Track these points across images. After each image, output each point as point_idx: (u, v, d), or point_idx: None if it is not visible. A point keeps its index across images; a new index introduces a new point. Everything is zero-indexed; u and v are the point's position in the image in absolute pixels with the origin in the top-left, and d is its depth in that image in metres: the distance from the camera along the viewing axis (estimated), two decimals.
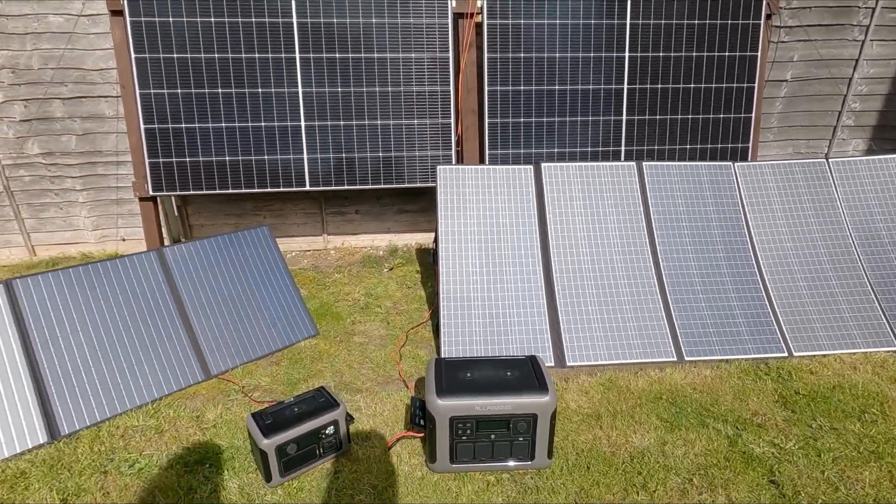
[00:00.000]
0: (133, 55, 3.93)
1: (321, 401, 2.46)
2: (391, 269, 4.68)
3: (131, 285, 3.11)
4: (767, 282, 3.55)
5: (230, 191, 4.22)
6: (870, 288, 3.53)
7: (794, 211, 3.73)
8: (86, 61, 4.39)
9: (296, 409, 2.39)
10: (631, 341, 3.29)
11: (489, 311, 3.36)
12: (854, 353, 3.26)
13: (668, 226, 3.63)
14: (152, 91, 4.01)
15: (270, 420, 2.32)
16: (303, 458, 2.34)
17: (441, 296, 3.38)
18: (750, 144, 4.79)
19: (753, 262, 3.59)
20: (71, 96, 4.46)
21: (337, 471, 2.39)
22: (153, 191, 4.17)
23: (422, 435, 2.51)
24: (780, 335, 3.36)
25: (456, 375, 2.35)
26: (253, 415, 2.36)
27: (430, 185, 4.44)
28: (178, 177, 4.16)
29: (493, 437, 2.28)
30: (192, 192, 4.20)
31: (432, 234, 5.25)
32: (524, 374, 2.36)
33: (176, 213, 4.87)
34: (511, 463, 2.33)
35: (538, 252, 3.54)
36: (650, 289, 3.46)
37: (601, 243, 3.56)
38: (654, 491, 2.25)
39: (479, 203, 3.62)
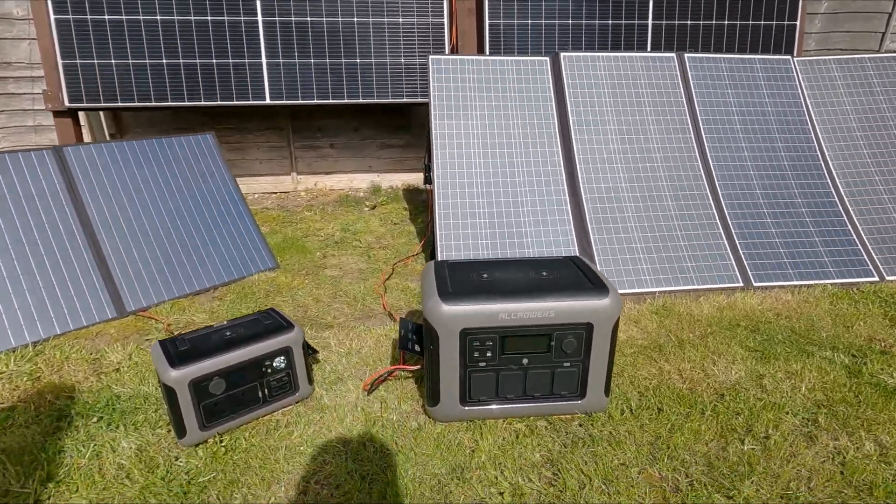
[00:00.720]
0: None
1: (267, 323, 1.66)
2: (374, 208, 3.88)
3: (14, 193, 2.26)
4: (844, 196, 2.84)
5: (169, 103, 3.37)
6: None
7: (870, 113, 3.03)
8: None
9: (227, 334, 1.59)
10: (683, 264, 2.55)
11: (499, 230, 2.60)
12: None
13: (720, 129, 2.90)
14: None
15: (186, 346, 1.52)
16: (236, 403, 1.54)
17: (437, 210, 2.60)
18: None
19: (826, 173, 2.88)
20: None
21: (291, 422, 1.60)
22: (70, 101, 3.31)
23: (417, 368, 1.73)
24: (866, 257, 2.66)
25: (468, 276, 1.58)
26: (162, 342, 1.55)
27: (418, 100, 3.65)
28: (102, 84, 3.31)
29: (525, 362, 1.51)
30: (120, 105, 3.34)
31: (422, 175, 4.47)
32: (567, 273, 1.59)
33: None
34: (551, 402, 1.57)
35: (560, 161, 2.78)
36: (703, 204, 2.73)
37: (638, 148, 2.81)
38: (767, 437, 1.51)
39: (484, 101, 2.85)
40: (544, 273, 1.60)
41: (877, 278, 2.59)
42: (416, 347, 1.62)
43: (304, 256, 2.93)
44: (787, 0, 3.90)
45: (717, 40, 3.88)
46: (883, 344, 1.97)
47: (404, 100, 3.63)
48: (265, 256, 2.75)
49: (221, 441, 1.52)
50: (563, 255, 2.54)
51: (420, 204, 3.95)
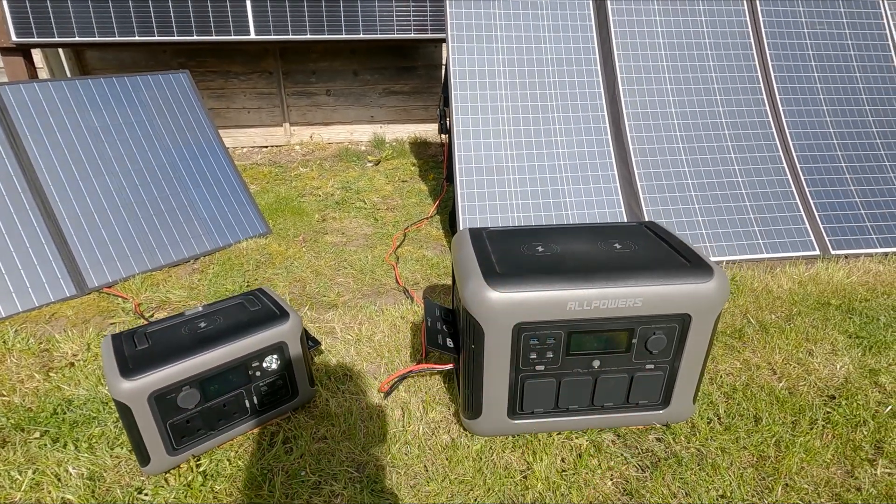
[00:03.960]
0: None
1: (254, 309, 1.28)
2: (377, 163, 3.44)
3: None
4: None
5: (136, 38, 2.86)
6: None
7: None
8: None
9: (202, 325, 1.22)
10: (750, 228, 2.16)
11: (531, 188, 2.18)
12: None
13: (791, 65, 2.44)
14: None
15: (147, 345, 1.15)
16: (216, 417, 1.18)
17: (456, 166, 2.18)
18: None
19: None
20: None
21: (288, 437, 1.25)
22: (17, 36, 2.80)
23: (449, 367, 1.37)
24: None
25: (517, 250, 1.18)
26: (114, 337, 1.17)
27: (428, 35, 3.14)
28: (54, 15, 2.78)
29: (596, 364, 1.14)
30: (77, 41, 2.83)
31: (431, 126, 3.99)
32: (648, 245, 1.20)
33: None
34: (626, 413, 1.21)
35: (603, 101, 2.33)
36: (771, 155, 2.30)
37: (696, 88, 2.36)
38: (894, 452, 1.17)
39: (511, 31, 2.36)
40: (617, 245, 1.21)
41: None
42: (449, 343, 1.25)
43: (300, 219, 2.52)
44: None
45: None
46: None
47: (412, 34, 3.12)
48: (254, 220, 2.34)
49: (199, 466, 1.17)
50: (631, 219, 2.14)
51: (430, 159, 3.50)
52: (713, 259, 2.09)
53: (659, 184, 2.22)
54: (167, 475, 1.15)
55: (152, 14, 2.85)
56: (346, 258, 2.17)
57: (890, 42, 2.52)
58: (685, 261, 1.13)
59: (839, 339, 1.58)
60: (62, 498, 1.10)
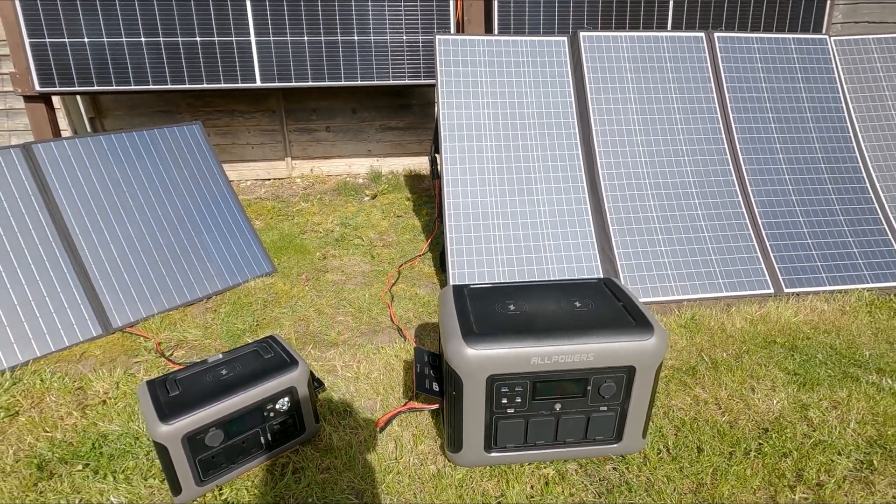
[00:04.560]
0: None
1: (268, 357, 1.49)
2: (374, 197, 3.66)
3: None
4: (880, 190, 2.66)
5: (150, 87, 3.10)
6: None
7: None
8: None
9: (223, 372, 1.43)
10: (711, 269, 2.39)
11: (514, 232, 2.41)
12: None
13: (751, 117, 2.69)
14: None
15: (178, 391, 1.35)
16: (236, 453, 1.39)
17: (446, 211, 2.41)
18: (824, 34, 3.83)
19: (861, 166, 2.69)
20: None
21: (298, 467, 1.46)
22: (41, 86, 3.03)
23: (435, 407, 1.58)
24: None
25: (492, 308, 1.40)
26: (150, 383, 1.38)
27: (421, 82, 3.38)
28: (75, 66, 3.02)
29: (558, 407, 1.36)
30: (96, 90, 3.06)
31: (424, 159, 4.23)
32: (603, 303, 1.42)
33: (88, 129, 3.73)
34: (584, 447, 1.43)
35: (579, 151, 2.57)
36: (732, 200, 2.54)
37: (663, 140, 2.60)
38: (820, 485, 1.38)
39: (496, 87, 2.60)
40: (577, 303, 1.43)
41: None
42: (435, 387, 1.46)
43: (302, 258, 2.74)
44: None
45: (742, 13, 3.60)
46: None
47: (406, 81, 3.36)
48: (261, 260, 2.56)
49: (221, 494, 1.37)
50: (591, 272, 2.37)
51: (423, 193, 3.73)
52: (678, 296, 2.32)
53: (629, 227, 2.45)
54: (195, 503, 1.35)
55: (165, 65, 3.08)
56: (346, 296, 2.38)
57: (841, 96, 2.78)
58: (632, 319, 1.35)
59: (779, 376, 1.80)
60: None
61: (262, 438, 1.43)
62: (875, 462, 1.45)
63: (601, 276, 2.35)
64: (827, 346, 1.95)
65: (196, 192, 2.52)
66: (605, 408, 1.37)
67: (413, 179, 4.02)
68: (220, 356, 1.51)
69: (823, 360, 1.88)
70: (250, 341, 1.92)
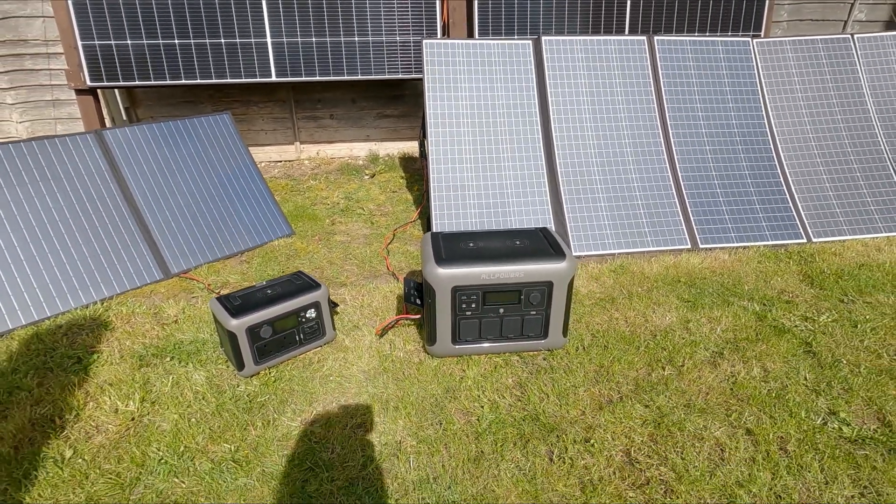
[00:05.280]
0: None
1: (299, 283, 2.10)
2: (373, 176, 4.25)
3: (66, 171, 2.62)
4: (786, 167, 3.26)
5: (182, 81, 3.66)
6: (892, 171, 3.28)
7: (816, 91, 3.40)
8: None
9: (269, 292, 2.03)
10: (642, 229, 3.00)
11: (485, 201, 3.01)
12: (876, 238, 3.05)
13: (682, 107, 3.27)
14: None
15: (239, 301, 1.96)
16: (280, 344, 2.00)
17: (431, 185, 3.00)
18: (762, 34, 4.39)
19: (772, 146, 3.28)
20: None
21: (321, 359, 2.08)
22: (91, 81, 3.59)
23: (419, 316, 2.20)
24: (798, 221, 3.11)
25: (457, 245, 2.01)
26: (218, 297, 1.99)
27: (412, 76, 3.94)
28: (119, 64, 3.57)
29: (501, 311, 1.97)
30: (138, 84, 3.62)
31: (416, 143, 4.80)
32: (535, 242, 2.03)
33: (125, 117, 4.29)
34: (521, 342, 2.05)
35: (539, 135, 3.16)
36: (662, 174, 3.14)
37: (608, 126, 3.19)
38: (682, 365, 2.01)
39: (472, 82, 3.18)
40: (517, 242, 2.03)
41: (804, 240, 3.06)
42: (418, 301, 2.07)
43: (314, 224, 3.34)
44: None
45: (690, 13, 4.15)
46: (790, 295, 2.46)
47: (399, 75, 3.92)
48: (282, 224, 3.15)
49: (271, 373, 1.99)
50: (538, 225, 2.97)
51: (415, 172, 4.32)
52: (613, 251, 2.93)
53: (578, 196, 3.04)
54: (252, 378, 1.97)
55: (195, 61, 3.64)
56: (351, 252, 2.98)
57: (759, 88, 3.36)
58: (552, 250, 1.96)
59: (675, 303, 2.42)
60: (194, 389, 1.91)
61: (297, 336, 2.04)
62: (725, 353, 2.07)
63: None
64: (718, 284, 2.57)
65: (228, 168, 3.10)
66: (535, 312, 1.98)
67: (406, 161, 4.60)
68: (264, 283, 2.11)
69: (712, 292, 2.50)
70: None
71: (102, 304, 2.46)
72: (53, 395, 1.89)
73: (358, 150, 4.77)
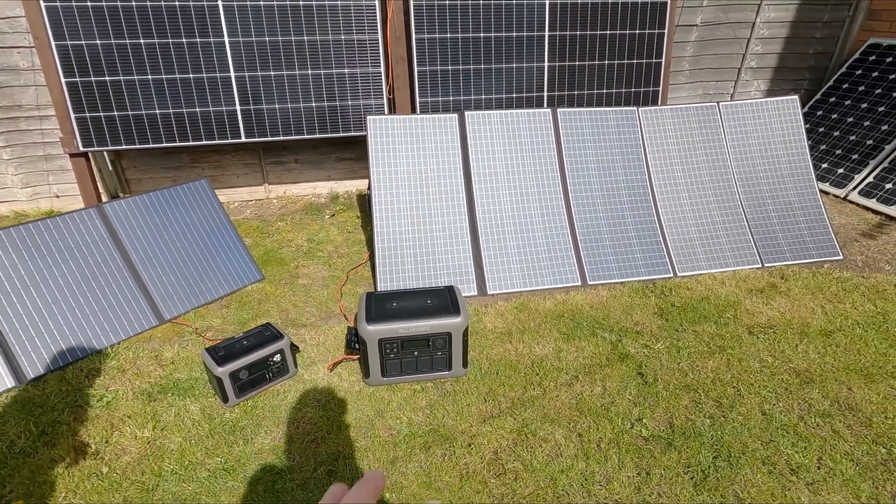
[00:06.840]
0: (43, 3, 3.79)
1: (267, 334, 2.81)
2: (333, 216, 4.94)
3: (76, 242, 3.26)
4: (661, 213, 4.09)
5: (164, 144, 4.27)
6: (744, 216, 4.15)
7: (687, 150, 4.23)
8: None
9: (245, 342, 2.74)
10: (543, 270, 3.79)
11: (420, 249, 3.75)
12: (725, 271, 3.91)
13: (578, 167, 4.06)
14: (69, 42, 3.91)
15: (223, 352, 2.67)
16: (254, 382, 2.72)
17: (376, 237, 3.72)
18: (661, 88, 5.21)
19: (650, 196, 4.11)
20: None
21: (286, 391, 2.80)
22: (83, 146, 4.17)
23: (357, 357, 2.94)
24: (667, 258, 3.96)
25: (383, 305, 2.75)
26: (207, 349, 2.69)
27: (364, 133, 4.63)
28: (108, 131, 4.17)
29: (416, 353, 2.73)
30: (125, 147, 4.23)
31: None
32: (442, 300, 2.79)
33: (111, 168, 4.86)
34: (432, 374, 2.81)
35: (463, 194, 3.90)
36: (561, 224, 3.93)
37: (519, 185, 3.96)
38: (547, 386, 2.81)
39: (408, 151, 3.89)
40: (428, 301, 2.79)
41: (671, 274, 3.90)
42: (356, 346, 2.82)
43: (281, 268, 4.03)
44: (654, 45, 4.95)
45: (598, 76, 4.94)
46: (641, 326, 3.29)
47: (353, 133, 4.61)
48: (254, 271, 3.84)
49: (248, 403, 2.71)
50: (468, 275, 3.74)
51: (368, 211, 5.01)
52: (519, 289, 3.71)
53: (495, 245, 3.81)
54: (234, 408, 2.69)
55: (174, 128, 4.25)
56: (312, 294, 3.69)
57: (642, 147, 4.17)
58: (452, 308, 2.72)
59: (555, 335, 3.21)
60: (191, 417, 2.62)
61: (267, 375, 2.76)
62: (580, 376, 2.88)
63: (474, 278, 3.72)
64: (591, 318, 3.38)
65: (207, 226, 3.76)
66: (440, 352, 2.75)
67: (363, 199, 5.30)
68: (241, 335, 2.82)
69: (585, 325, 3.31)
70: (254, 326, 3.23)
71: (112, 349, 3.13)
72: (87, 427, 2.58)
73: (321, 188, 5.44)
